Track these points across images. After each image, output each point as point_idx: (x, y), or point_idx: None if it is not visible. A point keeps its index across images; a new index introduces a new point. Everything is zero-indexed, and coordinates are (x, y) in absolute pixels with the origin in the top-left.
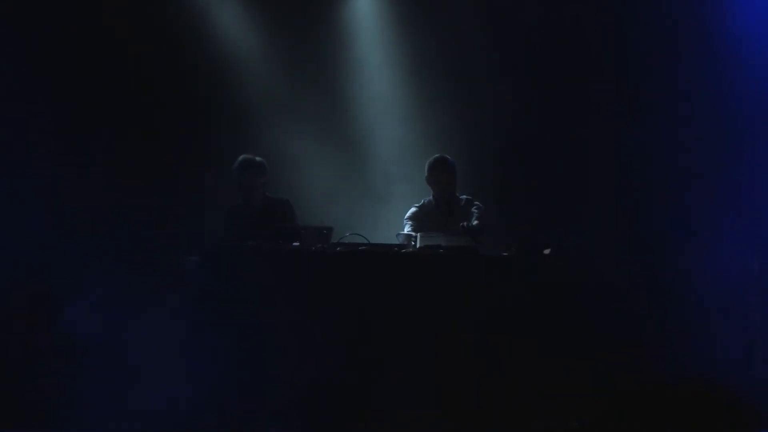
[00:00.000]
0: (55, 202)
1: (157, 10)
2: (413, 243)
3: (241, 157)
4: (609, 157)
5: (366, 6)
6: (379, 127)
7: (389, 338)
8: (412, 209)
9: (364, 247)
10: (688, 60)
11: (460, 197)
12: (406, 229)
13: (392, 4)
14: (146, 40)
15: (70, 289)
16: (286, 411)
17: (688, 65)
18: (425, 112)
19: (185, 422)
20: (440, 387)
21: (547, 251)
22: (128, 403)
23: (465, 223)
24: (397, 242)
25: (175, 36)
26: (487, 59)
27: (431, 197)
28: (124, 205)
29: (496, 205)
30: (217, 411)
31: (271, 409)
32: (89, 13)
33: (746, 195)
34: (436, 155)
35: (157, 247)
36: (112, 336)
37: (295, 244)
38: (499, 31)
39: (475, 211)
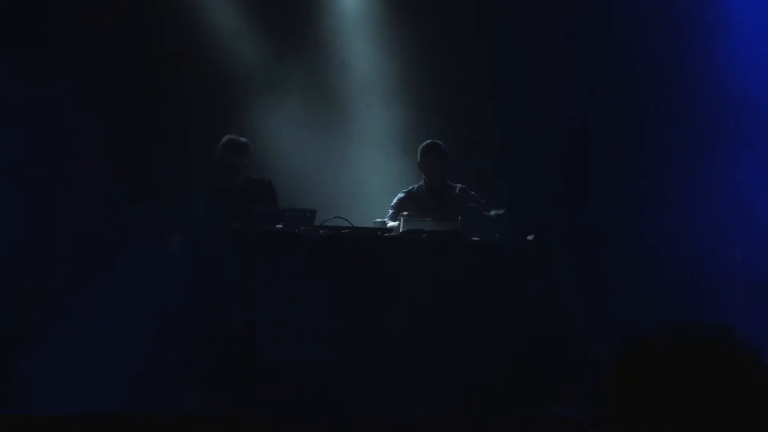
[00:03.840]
0: (37, 183)
1: None
2: (399, 226)
3: (225, 138)
4: (594, 146)
5: None
6: (364, 109)
7: (372, 322)
8: (400, 195)
9: (347, 231)
10: (674, 54)
11: (454, 185)
12: (387, 218)
13: None
14: (127, 20)
15: (53, 272)
16: (270, 394)
17: (674, 59)
18: (411, 95)
19: (169, 403)
20: (426, 372)
21: (530, 237)
22: (107, 384)
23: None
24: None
25: (156, 16)
26: (475, 44)
27: (422, 182)
28: (106, 186)
29: (479, 191)
30: (200, 392)
31: (254, 392)
32: None
33: (731, 188)
34: (429, 141)
35: (141, 229)
36: (93, 317)
37: (279, 226)
38: (486, 17)
39: (476, 198)
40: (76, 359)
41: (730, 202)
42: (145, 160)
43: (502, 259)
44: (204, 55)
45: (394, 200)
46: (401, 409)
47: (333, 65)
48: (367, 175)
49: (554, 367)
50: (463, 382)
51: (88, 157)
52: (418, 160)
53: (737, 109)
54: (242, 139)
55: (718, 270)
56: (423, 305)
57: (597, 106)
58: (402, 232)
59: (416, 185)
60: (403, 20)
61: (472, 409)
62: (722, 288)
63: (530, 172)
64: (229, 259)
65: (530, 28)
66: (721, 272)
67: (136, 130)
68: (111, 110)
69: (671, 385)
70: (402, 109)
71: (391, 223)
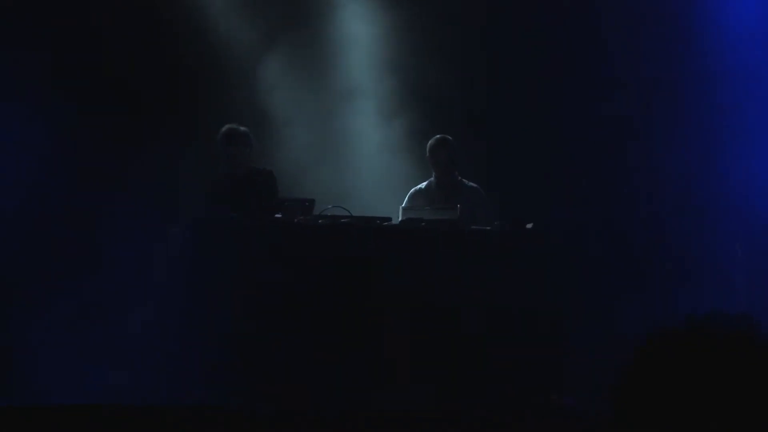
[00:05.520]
0: (37, 180)
1: None
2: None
3: (225, 128)
4: (590, 135)
5: None
6: (363, 98)
7: (371, 315)
8: (410, 193)
9: (345, 220)
10: (661, 37)
11: (467, 183)
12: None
13: None
14: (126, 15)
15: (53, 268)
16: (272, 384)
17: (661, 42)
18: (410, 82)
19: (172, 395)
20: (426, 361)
21: (529, 226)
22: (112, 376)
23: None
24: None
25: (155, 11)
26: (476, 43)
27: (433, 178)
28: (107, 176)
29: (478, 180)
30: (203, 384)
31: (258, 382)
32: None
33: (732, 186)
34: (437, 136)
35: (141, 221)
36: (93, 310)
37: (278, 216)
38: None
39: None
40: (77, 352)
41: (731, 200)
42: (145, 151)
43: (501, 249)
44: (202, 43)
45: (406, 199)
46: (402, 401)
47: (333, 51)
48: (368, 164)
49: (553, 359)
50: (462, 374)
51: (89, 151)
52: (427, 155)
53: (738, 109)
54: (242, 128)
55: (718, 266)
56: (421, 297)
57: (597, 104)
58: (401, 221)
59: (425, 182)
60: (405, 10)
61: (470, 399)
62: (723, 284)
63: (530, 171)
64: (228, 248)
65: (531, 28)
66: (722, 269)
67: (137, 122)
68: (111, 104)
69: (696, 378)
70: (403, 96)
71: None
